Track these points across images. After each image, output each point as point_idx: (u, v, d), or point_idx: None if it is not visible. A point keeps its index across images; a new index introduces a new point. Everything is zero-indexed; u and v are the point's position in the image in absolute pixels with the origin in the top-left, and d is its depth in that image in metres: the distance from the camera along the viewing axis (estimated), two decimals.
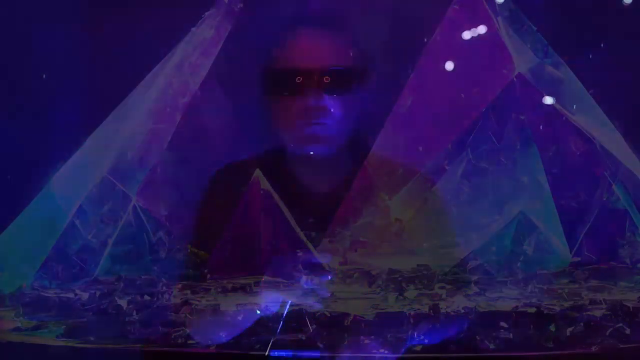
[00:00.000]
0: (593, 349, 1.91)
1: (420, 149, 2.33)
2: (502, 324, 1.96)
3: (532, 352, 1.91)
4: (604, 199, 2.27)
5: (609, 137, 2.29)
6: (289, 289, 2.12)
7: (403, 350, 1.92)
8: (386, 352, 1.93)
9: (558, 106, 2.27)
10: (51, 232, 2.28)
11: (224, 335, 1.98)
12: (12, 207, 2.32)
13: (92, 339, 2.00)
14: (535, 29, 2.30)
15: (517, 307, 2.03)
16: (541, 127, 2.28)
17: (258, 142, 2.52)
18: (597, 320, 1.97)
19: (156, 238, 2.32)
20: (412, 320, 1.96)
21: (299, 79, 2.41)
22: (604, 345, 1.91)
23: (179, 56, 2.36)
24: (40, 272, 2.26)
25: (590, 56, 2.37)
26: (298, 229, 2.24)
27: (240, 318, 2.01)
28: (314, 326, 1.95)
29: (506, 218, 2.24)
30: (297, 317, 1.97)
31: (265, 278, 2.16)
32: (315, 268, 2.18)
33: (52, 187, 2.31)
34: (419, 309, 2.02)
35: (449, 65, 2.28)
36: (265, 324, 1.98)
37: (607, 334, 1.94)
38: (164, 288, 2.19)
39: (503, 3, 2.29)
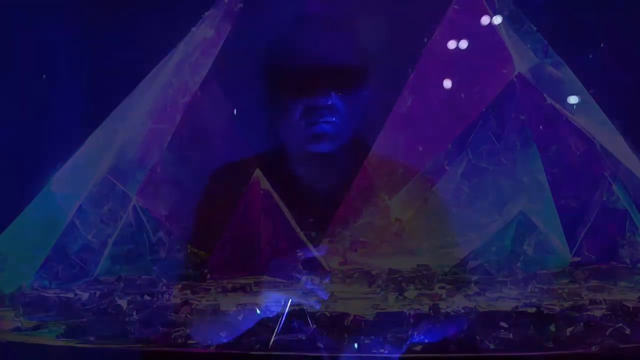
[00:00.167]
0: (593, 349, 1.91)
1: (420, 149, 2.33)
2: (502, 324, 1.96)
3: (532, 352, 1.91)
4: (604, 199, 2.27)
5: (609, 137, 2.29)
6: (289, 289, 2.12)
7: (403, 350, 1.92)
8: (386, 352, 1.93)
9: (558, 106, 2.27)
10: (51, 232, 2.28)
11: (224, 335, 1.98)
12: (12, 207, 2.32)
13: (92, 339, 2.00)
14: (535, 29, 2.30)
15: (517, 307, 2.03)
16: (541, 127, 2.28)
17: (258, 142, 2.52)
18: (597, 320, 1.97)
19: (156, 238, 2.32)
20: (412, 320, 1.96)
21: (297, 80, 2.41)
22: (604, 345, 1.92)
23: (179, 56, 2.36)
24: (40, 272, 2.26)
25: (590, 56, 2.37)
26: (298, 229, 2.24)
27: (240, 318, 2.01)
28: (314, 326, 1.95)
29: (506, 218, 2.24)
30: (297, 317, 1.97)
31: (265, 278, 2.17)
32: (314, 268, 2.18)
33: (52, 187, 2.31)
34: (419, 309, 2.02)
35: (447, 83, 2.29)
36: (265, 324, 1.98)
37: (607, 334, 1.94)
38: (164, 288, 2.19)
39: (503, 3, 2.29)
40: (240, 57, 2.45)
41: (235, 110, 2.47)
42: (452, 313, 1.99)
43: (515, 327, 1.96)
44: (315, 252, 2.20)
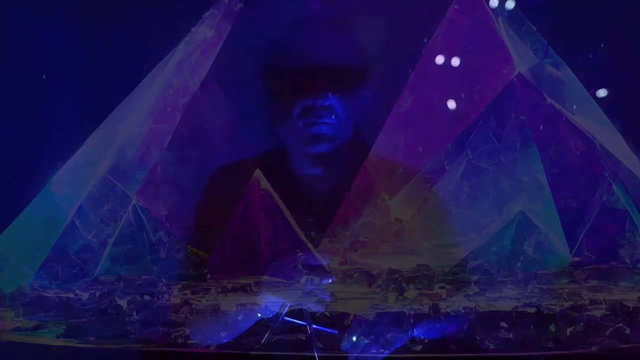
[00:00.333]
0: (593, 349, 1.91)
1: (420, 149, 2.33)
2: (502, 324, 1.96)
3: (532, 352, 1.91)
4: (604, 199, 2.27)
5: (609, 137, 2.29)
6: (289, 289, 2.12)
7: (403, 350, 1.92)
8: (386, 352, 1.93)
9: (558, 106, 2.27)
10: (51, 232, 2.28)
11: (224, 335, 1.98)
12: (12, 207, 2.32)
13: (92, 339, 2.00)
14: (535, 29, 2.30)
15: (517, 307, 2.03)
16: (541, 127, 2.28)
17: (258, 142, 2.52)
18: (597, 320, 1.97)
19: (156, 238, 2.32)
20: (412, 320, 1.96)
21: (297, 80, 2.41)
22: (604, 345, 1.92)
23: (179, 56, 2.36)
24: (40, 272, 2.26)
25: (590, 56, 2.37)
26: (298, 229, 2.24)
27: (240, 318, 2.01)
28: (314, 326, 1.95)
29: (506, 218, 2.24)
30: (297, 317, 1.97)
31: (265, 278, 2.17)
32: (315, 268, 2.18)
33: (52, 187, 2.31)
34: (419, 309, 2.02)
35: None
36: (265, 324, 1.98)
37: (607, 334, 1.94)
38: (164, 288, 2.19)
39: (503, 3, 2.29)
40: (240, 57, 2.45)
41: (235, 110, 2.47)
42: (452, 313, 1.99)
43: (515, 327, 1.96)
44: (319, 259, 2.20)
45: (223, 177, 2.49)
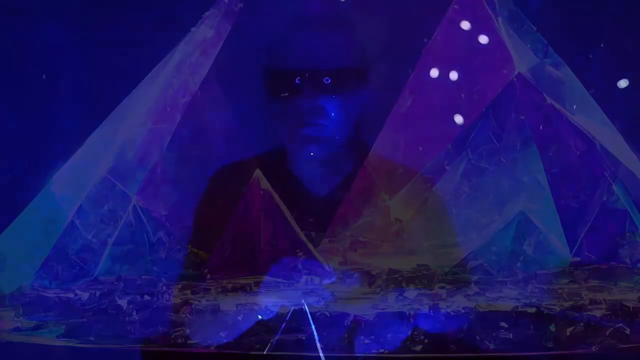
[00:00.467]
0: (593, 349, 1.91)
1: (420, 149, 2.33)
2: (502, 324, 1.96)
3: (532, 352, 1.91)
4: (604, 199, 2.27)
5: (609, 137, 2.29)
6: (289, 290, 2.12)
7: (403, 350, 1.92)
8: (386, 352, 1.93)
9: (558, 106, 2.27)
10: (51, 232, 2.28)
11: (224, 335, 1.98)
12: (12, 207, 2.32)
13: (92, 339, 2.00)
14: (535, 29, 2.30)
15: (517, 307, 2.03)
16: (541, 127, 2.28)
17: (258, 142, 2.52)
18: (597, 320, 1.97)
19: (156, 238, 2.32)
20: (412, 320, 1.96)
21: (297, 80, 2.41)
22: (604, 345, 1.92)
23: (179, 56, 2.36)
24: (40, 272, 2.26)
25: (590, 56, 2.37)
26: (298, 229, 2.24)
27: (240, 318, 2.01)
28: (315, 326, 1.95)
29: (506, 218, 2.24)
30: (297, 317, 1.97)
31: (265, 278, 2.17)
32: (315, 269, 2.18)
33: (52, 187, 2.31)
34: (419, 309, 2.02)
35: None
36: (265, 324, 1.98)
37: (607, 334, 1.94)
38: (164, 288, 2.19)
39: (503, 3, 2.29)
40: (240, 57, 2.45)
41: (235, 110, 2.47)
42: (452, 313, 1.99)
43: (515, 327, 1.96)
44: (319, 257, 2.20)
45: (223, 177, 2.49)
